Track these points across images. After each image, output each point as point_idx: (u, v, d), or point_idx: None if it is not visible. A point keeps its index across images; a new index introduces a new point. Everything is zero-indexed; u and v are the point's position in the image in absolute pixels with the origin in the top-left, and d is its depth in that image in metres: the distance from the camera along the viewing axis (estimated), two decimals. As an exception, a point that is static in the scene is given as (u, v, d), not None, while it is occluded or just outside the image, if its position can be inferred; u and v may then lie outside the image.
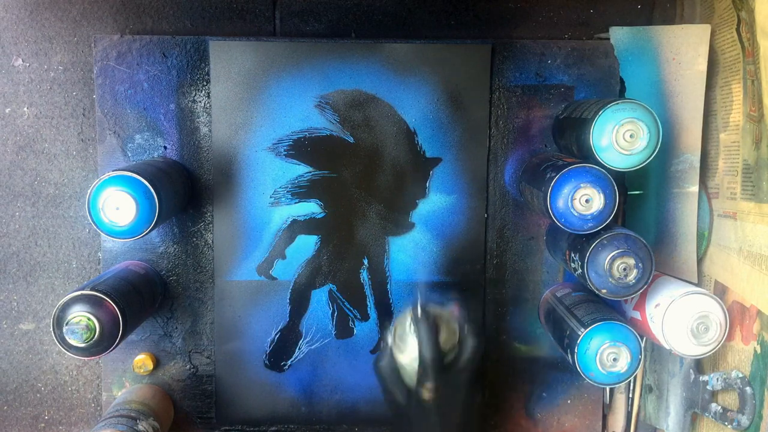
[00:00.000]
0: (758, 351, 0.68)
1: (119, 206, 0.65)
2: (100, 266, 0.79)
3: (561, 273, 0.80)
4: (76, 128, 0.79)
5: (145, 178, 0.65)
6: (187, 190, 0.77)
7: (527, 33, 0.80)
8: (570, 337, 0.69)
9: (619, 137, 0.64)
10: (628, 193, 0.79)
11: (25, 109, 0.78)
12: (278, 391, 0.80)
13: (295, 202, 0.78)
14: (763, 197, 0.67)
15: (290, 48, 0.76)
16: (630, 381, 0.81)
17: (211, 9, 0.79)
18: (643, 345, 0.67)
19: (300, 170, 0.77)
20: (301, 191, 0.78)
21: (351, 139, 0.77)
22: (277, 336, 0.79)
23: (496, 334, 0.81)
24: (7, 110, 0.78)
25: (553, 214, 0.65)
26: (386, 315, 0.79)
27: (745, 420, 0.68)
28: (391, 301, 0.79)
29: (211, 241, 0.78)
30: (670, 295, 0.68)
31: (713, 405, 0.72)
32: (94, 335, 0.64)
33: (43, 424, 0.82)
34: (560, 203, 0.65)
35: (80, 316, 0.64)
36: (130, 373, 0.79)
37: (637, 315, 0.72)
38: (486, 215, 0.79)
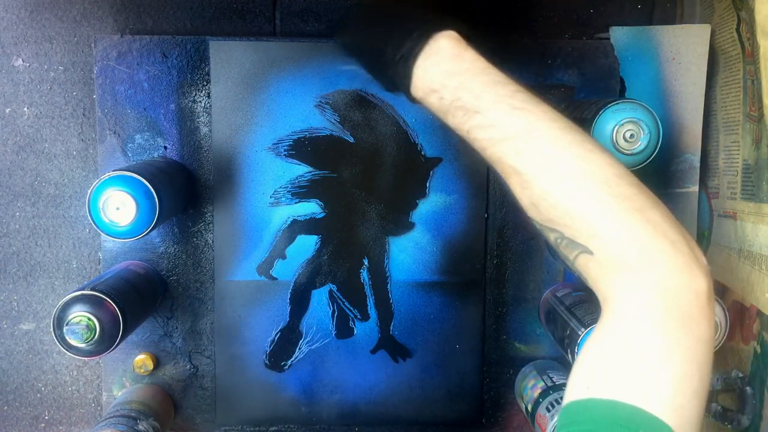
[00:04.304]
0: (758, 351, 0.68)
1: (119, 206, 0.64)
2: (100, 266, 0.79)
3: (561, 273, 0.80)
4: (76, 128, 0.79)
5: (146, 178, 0.65)
6: (187, 190, 0.77)
7: (527, 33, 0.80)
8: (570, 337, 0.69)
9: (619, 137, 0.64)
10: (628, 193, 0.79)
11: (25, 109, 0.78)
12: (278, 391, 0.80)
13: (295, 202, 0.78)
14: (763, 197, 0.67)
15: (290, 48, 0.76)
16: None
17: (211, 9, 0.79)
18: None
19: (300, 170, 0.77)
20: (301, 191, 0.77)
21: (351, 139, 0.77)
22: (278, 336, 0.79)
23: (496, 334, 0.81)
24: (7, 110, 0.78)
25: (553, 214, 0.65)
26: (386, 315, 0.79)
27: (745, 420, 0.68)
28: (391, 301, 0.79)
29: (211, 241, 0.78)
30: (670, 295, 0.68)
31: (713, 405, 0.72)
32: (94, 335, 0.64)
33: (43, 424, 0.82)
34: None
35: (80, 316, 0.64)
36: (131, 373, 0.79)
37: (637, 315, 0.71)
38: (486, 215, 0.79)
